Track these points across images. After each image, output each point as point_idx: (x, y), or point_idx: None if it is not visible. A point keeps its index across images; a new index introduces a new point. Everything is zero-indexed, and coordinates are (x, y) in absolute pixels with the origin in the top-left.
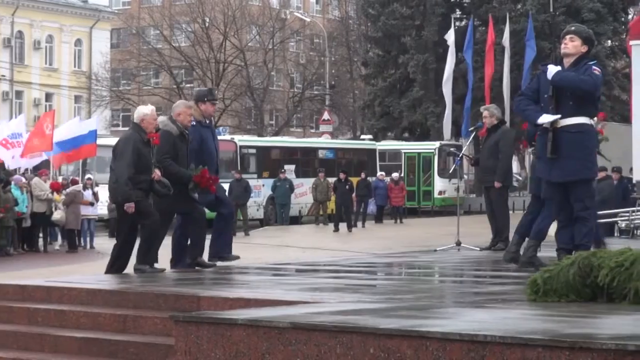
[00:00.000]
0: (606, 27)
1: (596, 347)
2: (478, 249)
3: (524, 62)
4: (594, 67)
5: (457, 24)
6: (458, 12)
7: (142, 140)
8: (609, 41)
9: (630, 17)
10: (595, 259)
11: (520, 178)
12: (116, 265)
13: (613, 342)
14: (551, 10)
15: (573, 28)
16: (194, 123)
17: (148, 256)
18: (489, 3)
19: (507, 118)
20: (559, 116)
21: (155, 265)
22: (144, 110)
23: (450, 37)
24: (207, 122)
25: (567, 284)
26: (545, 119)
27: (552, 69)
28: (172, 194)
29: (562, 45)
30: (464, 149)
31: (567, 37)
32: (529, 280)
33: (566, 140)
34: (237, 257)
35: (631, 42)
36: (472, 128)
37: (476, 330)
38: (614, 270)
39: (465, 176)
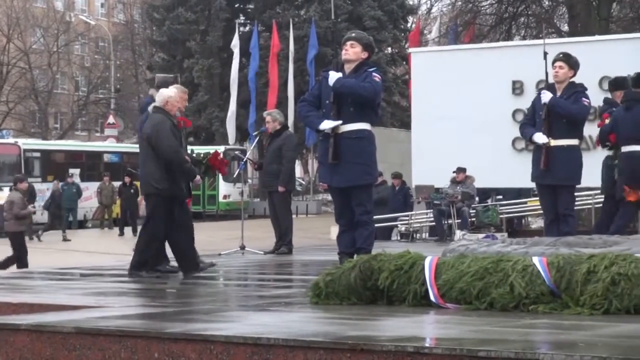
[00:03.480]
0: (387, 34)
1: (376, 349)
2: (262, 252)
3: (308, 67)
4: (374, 73)
5: (242, 29)
6: (242, 18)
7: (172, 123)
8: (390, 48)
9: (409, 25)
10: (375, 262)
11: (303, 182)
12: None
13: (393, 344)
14: (333, 17)
15: (354, 35)
16: None
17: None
18: (273, 9)
19: (291, 123)
20: (340, 122)
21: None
22: (168, 93)
23: (234, 42)
24: None
25: (349, 287)
26: (326, 125)
27: (333, 76)
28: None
29: (343, 52)
30: (248, 153)
31: (348, 43)
32: (312, 283)
33: (347, 146)
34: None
35: (410, 50)
36: (255, 133)
37: (260, 333)
38: (393, 273)
39: (250, 180)
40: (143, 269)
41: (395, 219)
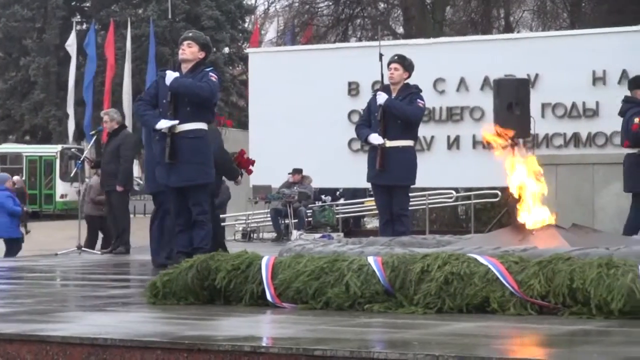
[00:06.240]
0: (225, 34)
1: (213, 348)
2: (99, 252)
3: (147, 66)
4: (211, 73)
5: (79, 27)
6: (79, 16)
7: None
8: (227, 48)
9: (247, 25)
10: (213, 262)
11: (141, 182)
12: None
13: (229, 344)
14: (171, 16)
15: (190, 34)
16: None
17: None
18: (110, 7)
19: (129, 122)
20: (176, 122)
21: None
22: None
23: (71, 41)
24: None
25: (186, 286)
26: (163, 124)
27: (170, 75)
28: None
29: (180, 51)
30: (85, 152)
31: (185, 43)
32: (149, 283)
33: (184, 146)
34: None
35: (248, 50)
36: (93, 132)
37: (97, 333)
38: (230, 273)
39: (87, 180)
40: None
41: (234, 218)
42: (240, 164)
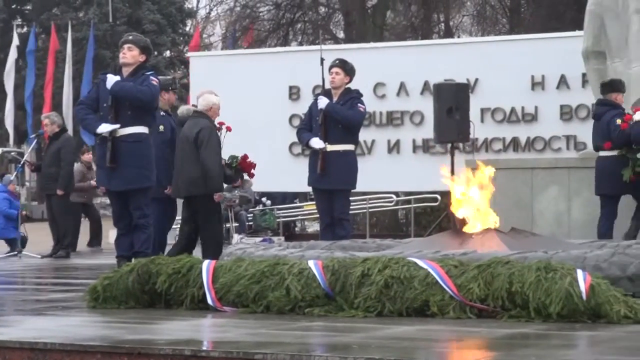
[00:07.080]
0: (166, 38)
1: (154, 352)
2: (39, 256)
3: (85, 70)
4: (151, 77)
5: (19, 30)
6: (19, 19)
7: (215, 129)
8: (169, 52)
9: (188, 29)
10: (153, 265)
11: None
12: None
13: (170, 347)
14: (112, 20)
15: (131, 37)
16: (163, 113)
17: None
18: (51, 11)
19: (69, 126)
20: (117, 126)
21: None
22: (212, 100)
23: (13, 44)
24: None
25: (127, 290)
26: (104, 128)
27: (111, 79)
28: None
29: (121, 55)
30: (25, 155)
31: (125, 46)
32: (89, 287)
33: (124, 150)
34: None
35: (189, 54)
36: (33, 135)
37: (37, 337)
38: (171, 277)
39: (27, 183)
40: None
41: None
42: (244, 168)
